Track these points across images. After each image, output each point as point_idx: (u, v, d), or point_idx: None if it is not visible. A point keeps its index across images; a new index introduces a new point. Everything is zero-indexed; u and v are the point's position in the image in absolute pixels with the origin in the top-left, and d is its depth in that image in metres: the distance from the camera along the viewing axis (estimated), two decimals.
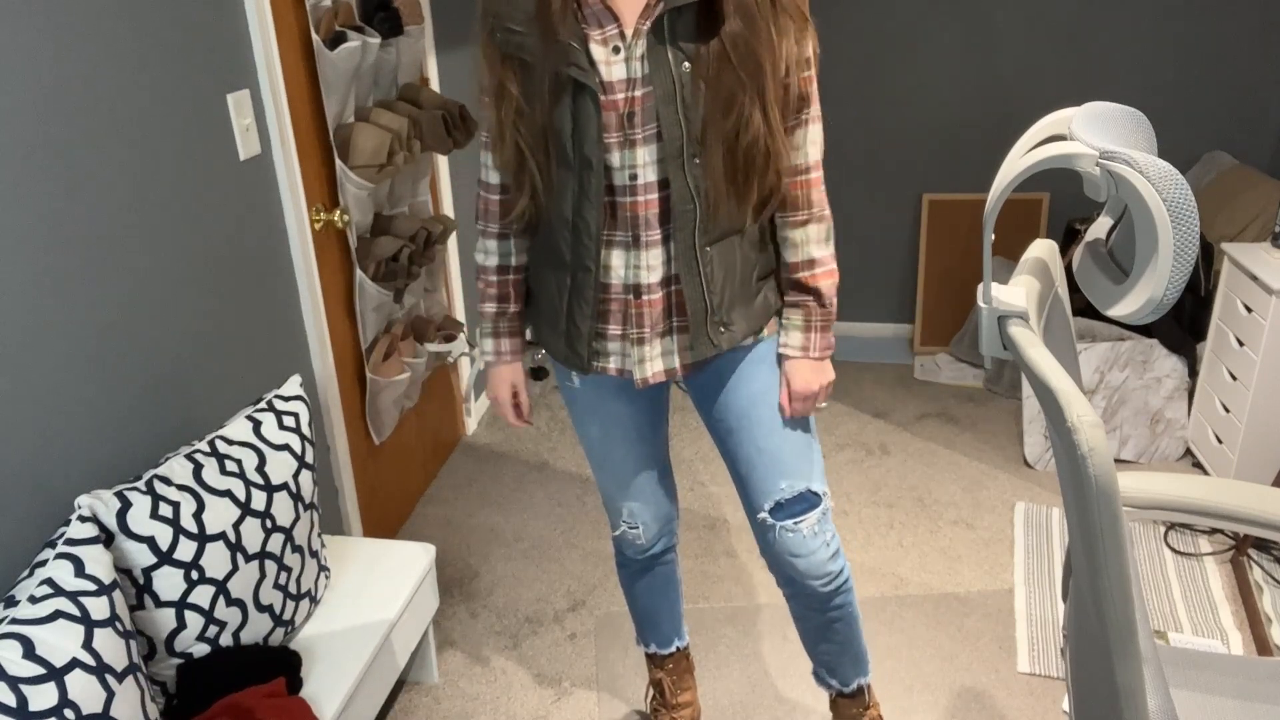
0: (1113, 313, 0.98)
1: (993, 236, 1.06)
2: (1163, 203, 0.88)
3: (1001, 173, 1.05)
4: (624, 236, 1.44)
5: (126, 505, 1.47)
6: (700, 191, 1.39)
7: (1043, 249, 1.23)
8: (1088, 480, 0.88)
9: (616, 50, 1.34)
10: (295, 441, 1.77)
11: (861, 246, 3.89)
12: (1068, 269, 3.03)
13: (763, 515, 1.60)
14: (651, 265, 1.44)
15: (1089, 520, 0.90)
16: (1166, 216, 0.88)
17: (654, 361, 1.51)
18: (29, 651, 1.22)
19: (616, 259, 1.45)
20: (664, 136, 1.35)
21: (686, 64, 1.32)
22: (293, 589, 1.76)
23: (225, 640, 1.61)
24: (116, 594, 1.36)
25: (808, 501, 1.58)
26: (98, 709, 1.26)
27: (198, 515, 1.54)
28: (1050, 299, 1.19)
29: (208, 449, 1.64)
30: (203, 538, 1.54)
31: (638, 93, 1.35)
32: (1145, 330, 3.02)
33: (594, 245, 1.42)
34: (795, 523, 1.58)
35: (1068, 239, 3.46)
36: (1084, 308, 3.17)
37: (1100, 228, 1.09)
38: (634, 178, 1.39)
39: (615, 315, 1.49)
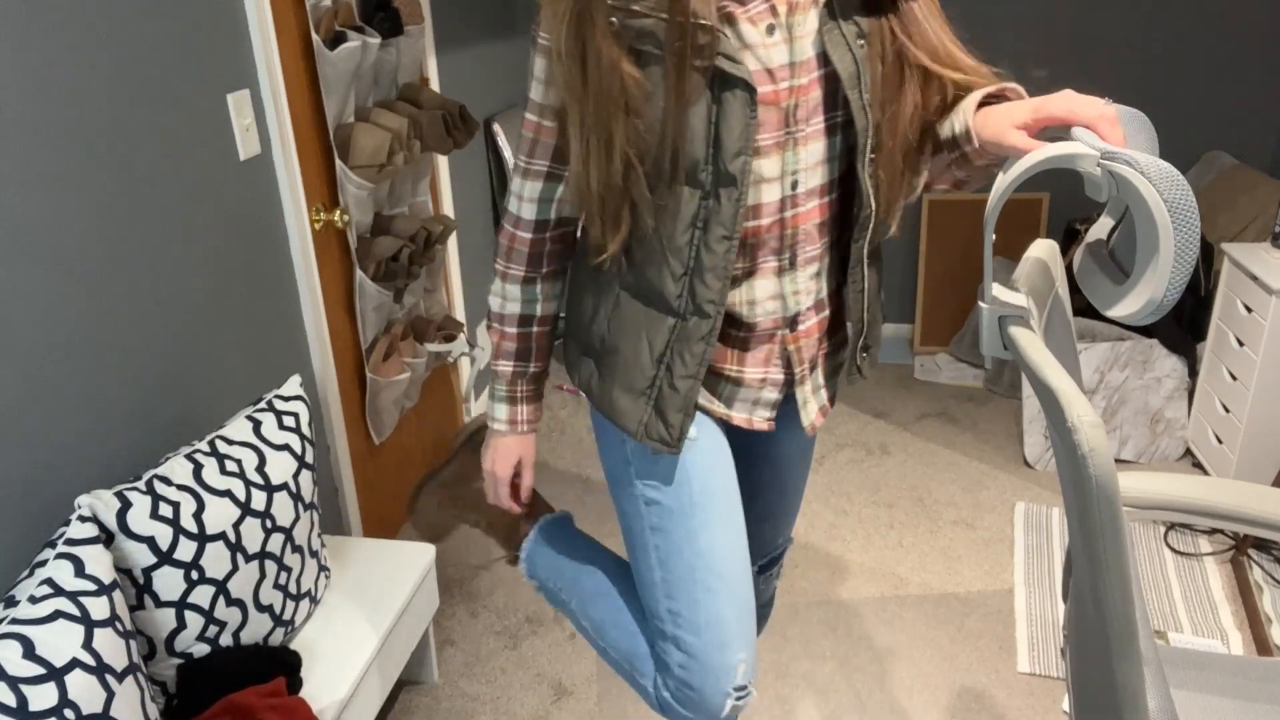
0: (1113, 314, 0.97)
1: (993, 237, 1.06)
2: (1164, 204, 0.88)
3: (1002, 174, 1.05)
4: (778, 260, 1.18)
5: (126, 505, 1.46)
6: (876, 190, 1.17)
7: (1043, 249, 1.23)
8: (1088, 480, 0.88)
9: (771, 30, 1.09)
10: (295, 441, 1.77)
11: None
12: (1068, 269, 3.03)
13: (754, 568, 1.53)
14: (807, 289, 1.21)
15: (1089, 520, 0.90)
16: (1168, 218, 0.88)
17: (812, 402, 1.28)
18: (29, 651, 1.22)
19: (765, 288, 1.19)
20: (852, 127, 1.14)
21: (861, 41, 1.11)
22: (293, 589, 1.76)
23: (225, 640, 1.61)
24: (116, 594, 1.36)
25: (784, 549, 1.60)
26: (98, 709, 1.26)
27: (198, 515, 1.54)
28: (1050, 299, 1.19)
29: (208, 449, 1.64)
30: (203, 538, 1.54)
31: (803, 79, 1.11)
32: (1145, 330, 3.02)
33: (721, 283, 1.14)
34: (777, 569, 1.59)
35: (1068, 239, 3.46)
36: (1084, 308, 3.17)
37: (1101, 228, 1.09)
38: (795, 186, 1.15)
39: (758, 357, 1.23)
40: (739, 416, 1.26)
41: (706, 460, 1.25)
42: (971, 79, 1.15)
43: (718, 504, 1.25)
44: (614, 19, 1.06)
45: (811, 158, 1.14)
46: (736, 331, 1.21)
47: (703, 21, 1.04)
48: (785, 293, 1.20)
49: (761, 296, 1.19)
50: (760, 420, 1.27)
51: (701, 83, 1.06)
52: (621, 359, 1.22)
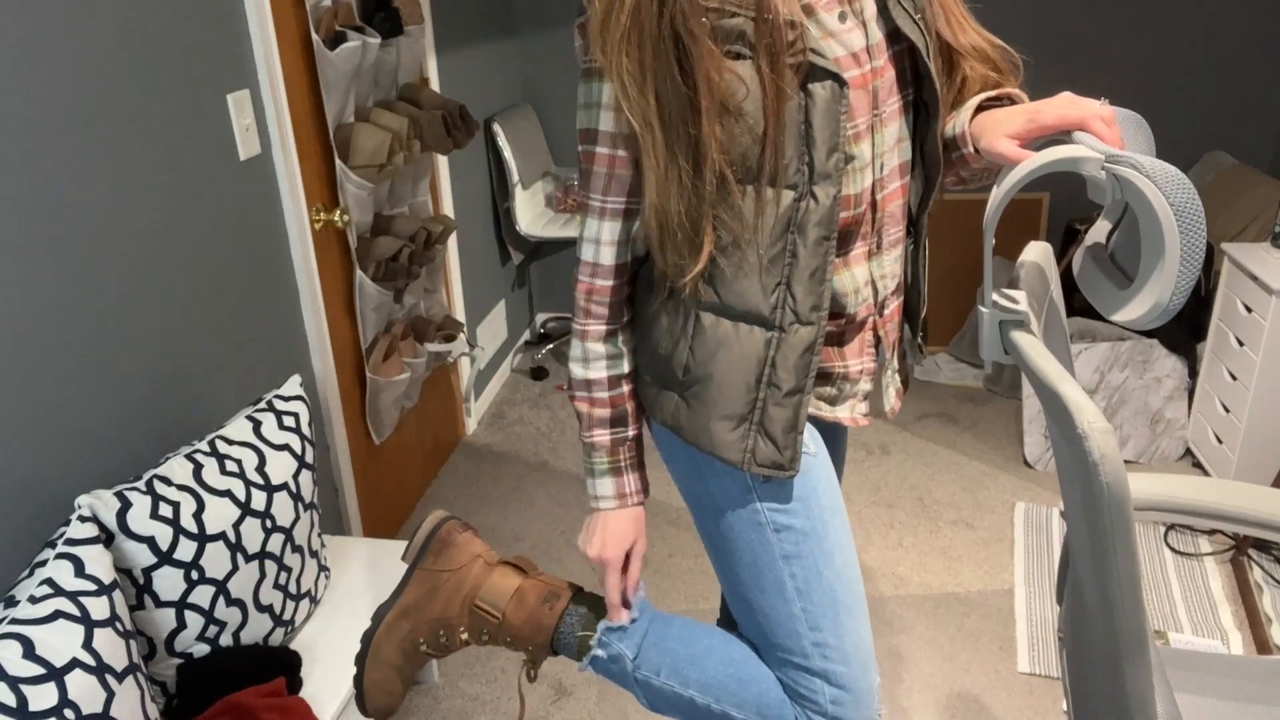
0: (1118, 319, 0.97)
1: (993, 242, 1.05)
2: (1170, 207, 0.88)
3: (1003, 176, 1.04)
4: (867, 245, 1.16)
5: (126, 505, 1.46)
6: (939, 163, 1.16)
7: (1037, 252, 1.23)
8: (1099, 488, 0.87)
9: (843, 18, 1.08)
10: (295, 441, 1.77)
11: None
12: (1067, 271, 3.03)
13: None
14: (892, 272, 1.20)
15: (1099, 527, 0.90)
16: (1174, 221, 0.88)
17: (891, 387, 1.27)
18: (29, 651, 1.22)
19: (862, 275, 1.17)
20: (928, 104, 1.13)
21: (919, 14, 1.11)
22: (293, 589, 1.75)
23: (225, 640, 1.61)
24: (116, 594, 1.36)
25: None
26: (98, 709, 1.26)
27: (198, 515, 1.54)
28: (1047, 302, 1.19)
29: (208, 449, 1.63)
30: (203, 538, 1.54)
31: (879, 61, 1.10)
32: (1145, 330, 3.02)
33: (822, 287, 1.10)
34: None
35: (1068, 239, 3.46)
36: (1084, 307, 3.17)
37: (1099, 231, 1.09)
38: (882, 168, 1.14)
39: (855, 348, 1.20)
40: (845, 415, 1.21)
41: (826, 471, 1.20)
42: (981, 48, 1.18)
43: (840, 517, 1.20)
44: (705, 19, 1.01)
45: (891, 139, 1.13)
46: (835, 325, 1.17)
47: (790, 18, 1.01)
48: (875, 277, 1.18)
49: (861, 284, 1.16)
50: (860, 414, 1.22)
51: (794, 78, 1.03)
52: (714, 385, 1.14)
